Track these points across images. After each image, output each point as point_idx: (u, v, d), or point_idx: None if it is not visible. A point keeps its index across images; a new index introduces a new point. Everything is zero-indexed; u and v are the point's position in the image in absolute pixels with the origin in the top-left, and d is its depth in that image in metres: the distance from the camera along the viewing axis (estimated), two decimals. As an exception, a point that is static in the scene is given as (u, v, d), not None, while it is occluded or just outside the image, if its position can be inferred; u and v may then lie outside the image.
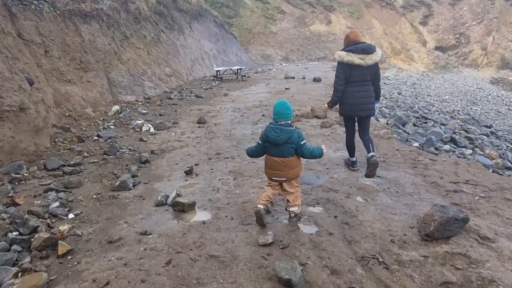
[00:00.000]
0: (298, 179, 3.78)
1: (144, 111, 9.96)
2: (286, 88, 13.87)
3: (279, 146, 3.48)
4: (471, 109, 21.86)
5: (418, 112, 14.95)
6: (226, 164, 5.61)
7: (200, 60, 21.57)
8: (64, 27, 10.24)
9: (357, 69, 4.61)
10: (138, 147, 6.67)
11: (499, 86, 37.98)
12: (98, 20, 11.84)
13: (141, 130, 8.01)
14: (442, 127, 12.40)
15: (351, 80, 4.70)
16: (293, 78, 18.10)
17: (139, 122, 8.63)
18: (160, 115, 9.71)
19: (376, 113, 5.27)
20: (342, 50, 4.80)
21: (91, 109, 9.53)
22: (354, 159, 5.24)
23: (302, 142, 3.56)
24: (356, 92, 4.73)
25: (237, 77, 18.21)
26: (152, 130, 8.03)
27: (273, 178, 3.64)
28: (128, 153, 6.26)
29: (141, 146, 6.74)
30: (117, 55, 12.05)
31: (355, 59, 4.56)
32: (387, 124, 10.88)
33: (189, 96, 13.02)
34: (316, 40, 39.30)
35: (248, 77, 18.86)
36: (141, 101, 11.39)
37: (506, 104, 26.08)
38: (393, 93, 22.55)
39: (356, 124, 5.16)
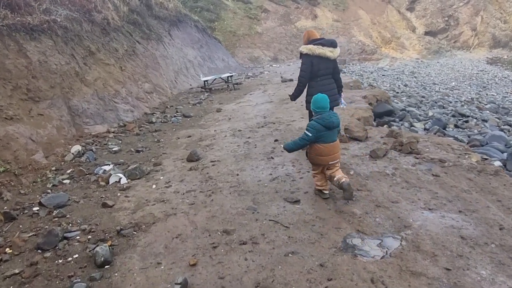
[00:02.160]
0: None
1: (115, 148, 7.42)
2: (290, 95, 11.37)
3: (332, 131, 3.81)
4: (486, 94, 19.60)
5: (446, 107, 12.59)
6: (245, 258, 3.11)
7: (185, 70, 19.03)
8: (2, 47, 7.72)
9: (326, 62, 4.64)
10: (98, 223, 4.15)
11: (499, 66, 35.94)
12: (50, 35, 9.29)
13: (107, 183, 5.49)
14: (487, 124, 10.03)
15: (319, 73, 4.72)
16: (292, 80, 15.67)
17: (106, 168, 6.11)
18: (138, 151, 7.17)
19: (342, 106, 5.41)
20: (308, 43, 4.72)
21: (42, 154, 6.96)
22: None
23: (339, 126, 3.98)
24: (326, 85, 4.75)
25: (228, 86, 15.70)
26: (123, 181, 5.51)
27: (330, 162, 3.83)
28: (78, 243, 3.74)
29: (103, 220, 4.23)
30: (80, 76, 9.49)
31: (327, 51, 4.58)
32: (426, 129, 8.49)
33: (175, 116, 10.48)
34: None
35: (240, 84, 16.37)
36: (114, 131, 8.84)
37: (517, 85, 23.91)
38: (399, 86, 20.22)
39: None
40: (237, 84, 15.90)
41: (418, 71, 30.30)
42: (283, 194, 4.22)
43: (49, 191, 5.33)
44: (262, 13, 35.45)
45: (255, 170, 5.22)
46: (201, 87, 15.69)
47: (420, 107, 11.92)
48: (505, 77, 27.36)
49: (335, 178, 3.80)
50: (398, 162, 4.61)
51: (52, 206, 4.68)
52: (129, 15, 15.71)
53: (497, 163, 5.49)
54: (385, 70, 30.55)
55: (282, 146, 4.21)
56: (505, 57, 44.72)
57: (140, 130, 9.06)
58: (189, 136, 8.05)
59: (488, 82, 25.20)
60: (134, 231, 3.92)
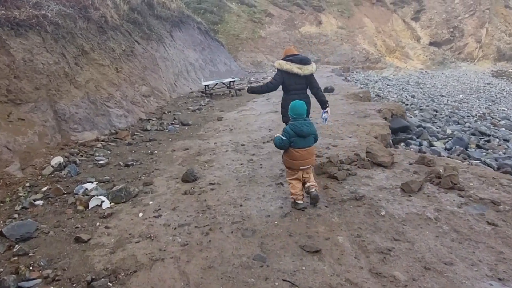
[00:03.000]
0: None
1: (102, 160, 6.55)
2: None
3: (306, 138, 3.91)
4: (497, 109, 18.81)
5: (462, 123, 11.77)
6: None
7: (185, 73, 18.20)
8: (-19, 43, 6.92)
9: (295, 77, 4.80)
10: (66, 267, 3.28)
11: (505, 80, 35.21)
12: (39, 31, 8.45)
13: (86, 208, 4.63)
14: (509, 144, 9.21)
15: (290, 88, 4.89)
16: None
17: (88, 187, 5.24)
18: (127, 165, 6.30)
19: (324, 123, 5.42)
20: (282, 59, 4.92)
21: (17, 166, 6.08)
22: None
23: (316, 132, 4.08)
24: (298, 99, 4.39)
25: (230, 91, 14.86)
26: (105, 205, 4.65)
27: (301, 167, 3.95)
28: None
29: (73, 263, 3.35)
30: (70, 77, 8.64)
31: (294, 68, 4.74)
32: (447, 149, 7.65)
33: (172, 124, 9.62)
34: (307, 43, 36.22)
35: (242, 89, 15.53)
36: (104, 140, 7.98)
37: (527, 100, 23.15)
38: (406, 97, 19.41)
39: None
40: (239, 90, 15.06)
41: (423, 82, 29.55)
42: (298, 239, 3.36)
43: (16, 215, 4.46)
44: (266, 17, 34.71)
45: (262, 200, 4.36)
46: (202, 92, 14.86)
47: (435, 122, 11.10)
48: (513, 91, 26.62)
49: (306, 185, 4.02)
50: (439, 201, 3.75)
51: (15, 239, 3.81)
52: (129, 14, 14.91)
53: None
54: (389, 80, 29.79)
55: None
56: (510, 70, 44.07)
57: (132, 139, 8.20)
58: (186, 149, 7.18)
59: (496, 96, 24.43)
60: (110, 282, 3.05)
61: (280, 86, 4.99)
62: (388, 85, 25.54)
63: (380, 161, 4.81)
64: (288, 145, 3.93)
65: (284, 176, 5.10)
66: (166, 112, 11.28)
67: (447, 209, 3.61)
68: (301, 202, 3.99)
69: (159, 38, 16.71)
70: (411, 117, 10.60)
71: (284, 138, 3.90)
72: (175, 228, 3.87)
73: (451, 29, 47.16)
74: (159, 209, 4.41)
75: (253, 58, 30.53)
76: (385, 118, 8.60)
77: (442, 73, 36.94)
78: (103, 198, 4.75)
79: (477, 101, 21.76)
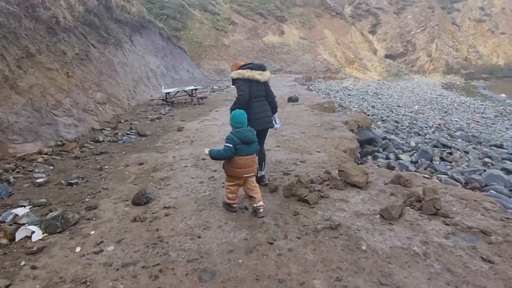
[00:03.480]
0: None
1: (41, 178, 5.62)
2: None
3: (249, 145, 3.86)
4: (450, 120, 19.26)
5: (422, 135, 11.69)
6: None
7: (146, 80, 17.21)
8: None
9: (256, 84, 4.64)
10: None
11: (454, 92, 36.69)
12: (-27, 29, 7.39)
13: (12, 240, 3.76)
14: (470, 157, 9.11)
15: (252, 96, 4.64)
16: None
17: (19, 212, 4.34)
18: (70, 184, 5.41)
19: (276, 127, 5.14)
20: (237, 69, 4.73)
21: None
22: (262, 173, 4.90)
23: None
24: (260, 106, 4.72)
25: (192, 100, 14.08)
26: (36, 236, 3.80)
27: (244, 175, 3.86)
28: None
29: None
30: (10, 81, 7.59)
31: (255, 74, 4.60)
32: (413, 162, 7.34)
33: (128, 135, 8.75)
34: (270, 52, 36.02)
35: (205, 98, 14.80)
36: (47, 152, 7.00)
37: (476, 112, 23.99)
38: (367, 107, 19.46)
39: None
40: (202, 98, 14.32)
41: (381, 92, 30.08)
42: (267, 285, 2.72)
43: None
44: (229, 25, 34.17)
45: (224, 228, 3.69)
46: (163, 100, 13.98)
47: (398, 134, 10.94)
48: (463, 103, 27.59)
49: (254, 204, 3.91)
50: (424, 231, 3.26)
51: None
52: (85, 16, 13.81)
53: None
54: (349, 90, 30.09)
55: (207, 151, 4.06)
56: (458, 83, 46.22)
57: (81, 152, 7.27)
58: (141, 164, 6.38)
59: (448, 107, 25.19)
60: None
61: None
62: (348, 95, 25.68)
63: (354, 181, 4.30)
64: (233, 153, 3.80)
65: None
66: (122, 121, 10.35)
67: (434, 241, 3.12)
68: (236, 206, 4.02)
69: (117, 42, 15.67)
70: (375, 129, 10.34)
71: (230, 145, 3.78)
72: (117, 269, 3.11)
73: (405, 43, 48.88)
74: (101, 242, 3.63)
75: (217, 66, 29.83)
76: (352, 130, 8.22)
77: (398, 84, 37.97)
78: (33, 227, 3.89)
79: (432, 112, 22.25)
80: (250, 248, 3.26)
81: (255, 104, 4.66)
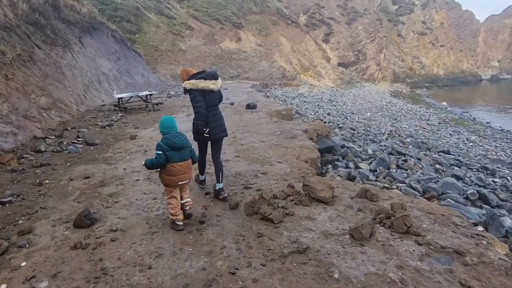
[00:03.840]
0: None
1: (-33, 197, 4.81)
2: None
3: (180, 151, 3.69)
4: (400, 127, 19.89)
5: (377, 142, 11.81)
6: None
7: (97, 84, 16.16)
8: None
9: (210, 94, 4.48)
10: None
11: (401, 99, 38.31)
12: None
13: None
14: (422, 163, 9.24)
15: (207, 105, 4.46)
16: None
17: None
18: (2, 203, 4.65)
19: None
20: (189, 80, 4.43)
21: None
22: (203, 177, 4.99)
23: (192, 147, 3.87)
24: (214, 116, 4.57)
25: (146, 105, 13.32)
26: (-49, 273, 3.12)
27: (180, 182, 3.72)
28: None
29: None
30: None
31: (209, 84, 4.43)
32: (372, 171, 7.25)
33: (74, 144, 7.95)
34: (228, 58, 35.64)
35: (161, 104, 14.08)
36: (-22, 165, 6.11)
37: (422, 119, 25.08)
38: (323, 114, 19.60)
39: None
40: (157, 104, 13.60)
41: (335, 99, 30.66)
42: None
43: None
44: (186, 30, 33.38)
45: (179, 256, 3.21)
46: (115, 105, 13.10)
47: (355, 141, 10.95)
48: (410, 110, 28.78)
49: (182, 201, 3.83)
50: (397, 253, 2.99)
51: None
52: (29, 14, 12.68)
53: (479, 229, 4.20)
54: (305, 97, 30.36)
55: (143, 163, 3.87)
56: (404, 91, 48.42)
57: (19, 164, 6.43)
58: (87, 177, 5.70)
59: (397, 114, 26.12)
60: None
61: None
62: (304, 102, 25.85)
63: (320, 196, 3.99)
64: (165, 160, 3.65)
65: (208, 216, 4.02)
66: (69, 129, 9.47)
67: (410, 264, 2.85)
68: (181, 223, 3.74)
69: (66, 43, 14.59)
70: (333, 136, 10.26)
71: (160, 152, 3.62)
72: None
73: (356, 52, 50.52)
74: (33, 277, 3.02)
75: (173, 71, 28.92)
76: (311, 139, 8.01)
77: (350, 92, 39.02)
78: None
79: (383, 119, 22.91)
80: (209, 280, 2.81)
81: (210, 113, 4.51)
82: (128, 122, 10.76)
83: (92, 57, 17.15)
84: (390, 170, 7.98)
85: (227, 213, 4.04)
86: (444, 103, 37.09)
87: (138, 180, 5.47)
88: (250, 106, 12.12)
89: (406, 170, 8.28)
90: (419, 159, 9.82)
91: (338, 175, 6.58)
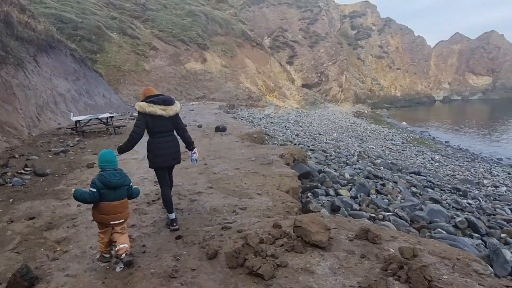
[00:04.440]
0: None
1: None
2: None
3: (116, 190, 3.43)
4: (368, 147, 19.88)
5: (351, 164, 11.43)
6: None
7: (53, 105, 14.89)
8: None
9: (159, 119, 4.27)
10: None
11: (364, 119, 39.08)
12: None
13: None
14: (400, 187, 8.89)
15: (155, 131, 4.31)
16: (185, 125, 13.05)
17: None
18: None
19: (195, 163, 4.79)
20: (142, 101, 4.32)
21: None
22: (173, 216, 4.30)
23: (131, 183, 3.64)
24: (165, 142, 4.36)
25: (107, 128, 12.26)
26: None
27: (111, 222, 3.42)
28: None
29: None
30: None
31: (157, 109, 4.22)
32: (353, 198, 6.74)
33: (21, 174, 6.87)
34: (193, 79, 34.93)
35: (123, 127, 13.07)
36: None
37: (386, 139, 25.41)
38: (292, 136, 19.23)
39: None
40: (119, 127, 12.58)
41: (301, 120, 30.60)
42: None
43: None
44: (150, 50, 32.43)
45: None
46: (72, 128, 11.96)
47: (330, 164, 10.49)
48: (374, 130, 29.20)
49: (116, 248, 3.44)
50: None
51: None
52: (-25, 30, 11.49)
53: (488, 272, 3.70)
54: (271, 118, 30.06)
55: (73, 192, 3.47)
56: (366, 111, 49.65)
57: None
58: (32, 218, 4.73)
59: (362, 134, 26.34)
60: None
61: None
62: (271, 123, 25.50)
63: (316, 240, 3.33)
64: (98, 198, 3.37)
65: (180, 270, 3.23)
66: (16, 156, 8.32)
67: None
68: (109, 255, 3.49)
69: (18, 62, 13.34)
70: (308, 160, 9.75)
71: (94, 190, 3.36)
72: None
73: (319, 74, 51.49)
74: None
75: (137, 92, 27.71)
76: (288, 164, 7.42)
77: (315, 113, 39.32)
78: None
79: (350, 139, 22.91)
80: None
81: (159, 140, 4.32)
82: (86, 148, 9.71)
83: (48, 76, 15.89)
84: (371, 196, 7.52)
85: (204, 265, 3.27)
86: (404, 123, 38.21)
87: (94, 220, 4.58)
88: (220, 129, 11.43)
89: (386, 195, 7.85)
90: (395, 182, 9.49)
91: (321, 205, 5.99)
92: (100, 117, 12.30)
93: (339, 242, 3.50)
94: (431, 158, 18.10)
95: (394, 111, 53.85)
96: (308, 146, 14.58)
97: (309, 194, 6.84)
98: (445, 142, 26.67)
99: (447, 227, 5.70)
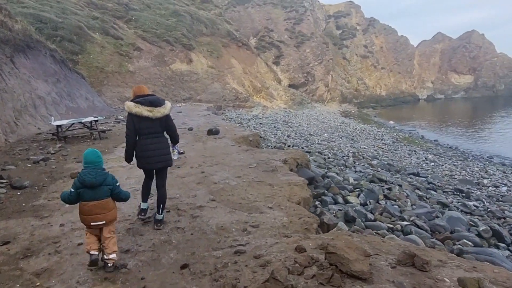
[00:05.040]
0: (114, 225, 3.52)
1: None
2: (181, 153, 8.04)
3: (95, 189, 3.34)
4: (360, 147, 19.50)
5: (350, 167, 10.93)
6: None
7: (31, 109, 13.95)
8: None
9: (146, 121, 4.17)
10: None
11: (352, 119, 38.91)
12: None
13: None
14: (407, 191, 8.42)
15: (142, 132, 4.22)
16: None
17: None
18: None
19: (174, 157, 4.82)
20: (130, 101, 4.25)
21: None
22: (145, 206, 4.61)
23: (117, 184, 3.51)
24: (149, 144, 4.23)
25: (91, 133, 11.44)
26: None
27: (92, 223, 3.34)
28: None
29: None
30: None
31: (143, 111, 4.12)
32: (362, 205, 6.21)
33: (-6, 187, 6.09)
34: (179, 80, 34.06)
35: (109, 131, 12.26)
36: None
37: (377, 138, 25.14)
38: (284, 138, 18.68)
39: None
40: (104, 131, 11.77)
41: (290, 121, 30.11)
42: None
43: None
44: (134, 51, 31.41)
45: None
46: (53, 133, 11.10)
47: (330, 168, 9.96)
48: (364, 130, 28.92)
49: (104, 256, 3.36)
50: None
51: None
52: None
53: None
54: (260, 118, 29.48)
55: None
56: (353, 111, 49.60)
57: None
58: (7, 243, 4.00)
59: (352, 134, 26.00)
60: None
61: None
62: (260, 124, 24.93)
63: (355, 270, 2.74)
64: (76, 198, 3.34)
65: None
66: (-10, 166, 7.49)
67: None
68: (95, 253, 3.34)
69: (-8, 63, 12.43)
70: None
71: (72, 190, 3.33)
72: None
73: (305, 74, 51.20)
74: None
75: (121, 94, 26.76)
76: (291, 170, 6.84)
77: (303, 113, 38.94)
78: None
79: (341, 139, 22.51)
80: None
81: (145, 141, 4.23)
82: (68, 155, 8.91)
83: (27, 79, 14.92)
84: (379, 202, 7.00)
85: (221, 305, 2.65)
86: (392, 122, 38.19)
87: (80, 244, 3.89)
88: (213, 132, 10.77)
89: (395, 200, 7.36)
90: (400, 185, 9.02)
91: (334, 215, 5.42)
92: (83, 121, 11.46)
93: (380, 271, 2.92)
94: (425, 158, 17.82)
95: (380, 110, 54.03)
96: (303, 148, 14.03)
97: (317, 202, 6.27)
98: (434, 140, 26.60)
99: (472, 238, 5.22)
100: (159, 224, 4.23)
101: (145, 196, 4.55)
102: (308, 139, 20.01)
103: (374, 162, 14.10)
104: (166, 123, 4.32)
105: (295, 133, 22.13)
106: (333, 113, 42.75)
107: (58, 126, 10.79)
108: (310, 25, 55.11)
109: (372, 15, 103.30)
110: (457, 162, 17.29)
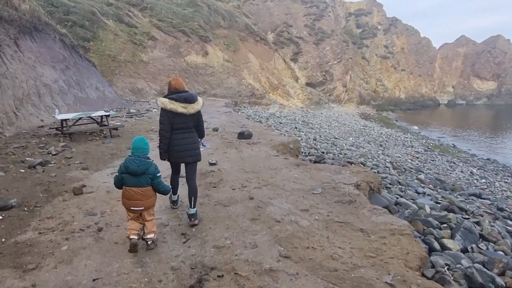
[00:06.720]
0: (153, 208, 3.70)
1: None
2: (212, 164, 6.32)
3: (137, 177, 3.49)
4: (394, 155, 17.66)
5: (404, 185, 9.14)
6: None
7: (35, 98, 12.37)
8: None
9: (180, 117, 4.24)
10: None
11: (374, 122, 36.95)
12: None
13: None
14: (497, 227, 6.62)
15: (175, 127, 4.29)
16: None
17: None
18: None
19: (203, 148, 4.76)
20: (164, 96, 4.30)
21: None
22: (175, 198, 4.77)
23: (158, 174, 3.61)
24: (181, 139, 4.33)
25: (101, 130, 9.78)
26: None
27: (131, 208, 3.52)
28: None
29: None
30: None
31: (178, 107, 4.19)
32: (462, 251, 4.43)
33: (-31, 207, 4.45)
34: (193, 73, 32.43)
35: (122, 127, 10.60)
36: None
37: (406, 145, 23.24)
38: (313, 141, 16.91)
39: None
40: (116, 128, 10.12)
41: (309, 121, 28.31)
42: None
43: None
44: (149, 41, 29.80)
45: None
46: (57, 128, 9.50)
47: (389, 187, 8.20)
48: (390, 135, 27.01)
49: (143, 236, 3.59)
50: None
51: None
52: None
53: None
54: (278, 117, 27.75)
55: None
56: (372, 113, 47.58)
57: None
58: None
59: (379, 139, 24.13)
60: None
61: None
62: (280, 123, 23.21)
63: None
64: (121, 182, 3.53)
65: None
66: (-27, 171, 5.86)
67: None
68: (134, 237, 3.46)
69: (-8, 44, 10.87)
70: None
71: (117, 174, 3.55)
72: None
73: (324, 73, 49.24)
74: None
75: (133, 85, 25.21)
76: (365, 195, 5.09)
77: (321, 113, 37.12)
78: None
79: (368, 145, 20.69)
80: None
81: (176, 136, 4.25)
82: (73, 158, 7.25)
83: (32, 64, 13.35)
84: (479, 246, 5.24)
85: None
86: (416, 127, 36.20)
87: None
88: (245, 135, 9.06)
89: (494, 242, 5.58)
90: (482, 216, 7.22)
91: (453, 279, 3.68)
92: (93, 115, 9.81)
93: None
94: (471, 172, 15.94)
95: (400, 113, 51.91)
96: (340, 156, 12.27)
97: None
98: (468, 150, 24.64)
99: None
100: (193, 219, 4.15)
101: (174, 189, 4.61)
102: (335, 143, 18.23)
103: (421, 176, 12.29)
104: (198, 119, 4.37)
105: (320, 136, 20.37)
106: (352, 115, 40.82)
107: (63, 121, 9.15)
108: (330, 22, 53.07)
109: (395, 14, 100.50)
110: (508, 179, 15.39)
